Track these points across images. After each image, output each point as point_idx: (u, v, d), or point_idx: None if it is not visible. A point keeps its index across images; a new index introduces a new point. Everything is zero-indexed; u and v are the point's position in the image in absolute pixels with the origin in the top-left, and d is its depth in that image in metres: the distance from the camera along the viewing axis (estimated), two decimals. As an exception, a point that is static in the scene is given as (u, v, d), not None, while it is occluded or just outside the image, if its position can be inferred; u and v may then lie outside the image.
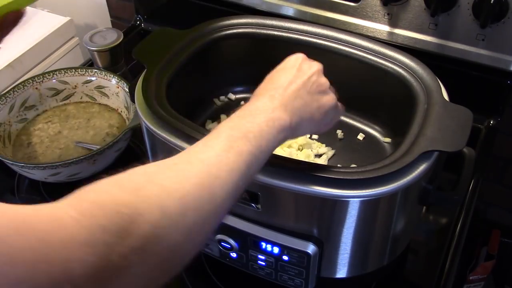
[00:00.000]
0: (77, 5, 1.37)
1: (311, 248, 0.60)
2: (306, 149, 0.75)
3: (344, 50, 0.73)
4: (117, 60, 0.99)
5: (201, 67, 0.76)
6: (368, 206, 0.57)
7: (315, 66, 0.57)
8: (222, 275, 0.73)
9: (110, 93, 0.93)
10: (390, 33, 0.89)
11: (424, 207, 0.79)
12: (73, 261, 0.33)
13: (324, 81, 0.57)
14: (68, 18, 1.18)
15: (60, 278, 0.32)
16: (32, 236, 0.32)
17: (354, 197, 0.55)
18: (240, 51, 0.79)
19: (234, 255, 0.67)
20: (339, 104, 0.59)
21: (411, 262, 0.76)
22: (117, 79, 0.92)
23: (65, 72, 0.94)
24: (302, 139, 0.76)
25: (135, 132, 0.87)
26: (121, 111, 0.93)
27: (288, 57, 0.59)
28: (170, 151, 0.62)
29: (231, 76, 0.83)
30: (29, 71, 1.11)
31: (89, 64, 1.07)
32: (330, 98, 0.57)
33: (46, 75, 0.93)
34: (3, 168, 0.84)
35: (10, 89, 0.90)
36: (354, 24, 0.91)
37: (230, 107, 0.83)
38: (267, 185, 0.56)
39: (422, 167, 0.56)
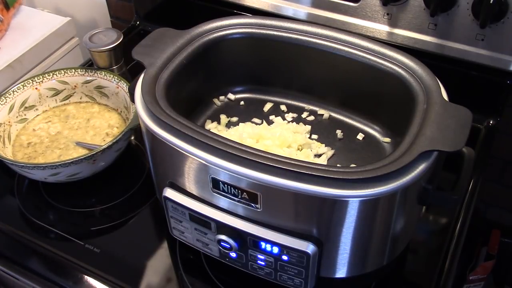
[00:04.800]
0: (77, 5, 1.37)
1: (310, 248, 0.60)
2: (305, 149, 0.75)
3: (344, 50, 0.73)
4: (117, 60, 0.99)
5: (201, 67, 0.76)
6: (367, 206, 0.57)
7: None
8: (222, 275, 0.73)
9: (110, 93, 0.93)
10: (390, 33, 0.89)
11: (424, 207, 0.79)
12: None
13: None
14: (68, 18, 1.18)
15: None
16: None
17: (354, 197, 0.55)
18: (240, 51, 0.79)
19: (233, 255, 0.67)
20: None
21: (410, 262, 0.76)
22: (117, 79, 0.92)
23: (65, 72, 0.94)
24: (302, 139, 0.76)
25: (135, 132, 0.87)
26: (121, 111, 0.93)
27: None
28: (170, 151, 0.62)
29: (231, 76, 0.83)
30: (29, 71, 1.11)
31: (89, 64, 1.07)
32: None
33: (46, 75, 0.93)
34: (3, 168, 0.84)
35: (10, 89, 0.90)
36: (354, 24, 0.91)
37: (230, 107, 0.83)
38: (267, 185, 0.56)
39: (421, 167, 0.56)
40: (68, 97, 0.96)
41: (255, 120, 0.81)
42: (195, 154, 0.59)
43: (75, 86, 0.95)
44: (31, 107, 0.93)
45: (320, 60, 0.76)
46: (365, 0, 0.88)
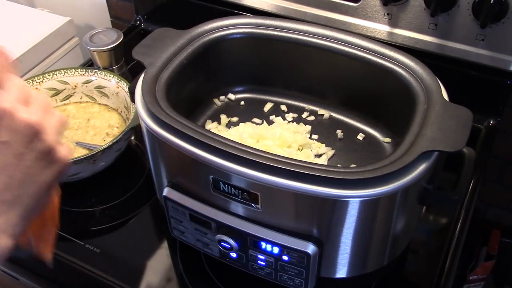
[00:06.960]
0: (77, 5, 1.37)
1: (311, 248, 0.60)
2: (306, 149, 0.75)
3: (344, 50, 0.73)
4: (117, 60, 0.99)
5: (201, 67, 0.76)
6: (368, 206, 0.57)
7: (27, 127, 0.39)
8: (222, 275, 0.73)
9: (110, 93, 0.93)
10: (390, 33, 0.89)
11: (424, 207, 0.79)
12: None
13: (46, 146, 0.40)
14: (68, 18, 1.18)
15: None
16: None
17: (354, 197, 0.55)
18: (240, 51, 0.79)
19: (234, 255, 0.67)
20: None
21: (411, 262, 0.76)
22: (117, 79, 0.92)
23: (65, 72, 0.94)
24: (302, 139, 0.76)
25: (136, 132, 0.87)
26: (121, 111, 0.93)
27: None
28: (170, 151, 0.62)
29: (231, 76, 0.83)
30: (29, 71, 1.11)
31: (89, 64, 1.07)
32: (55, 169, 0.42)
33: (46, 75, 0.93)
34: (3, 168, 0.84)
35: (10, 89, 0.90)
36: (354, 24, 0.91)
37: (230, 107, 0.83)
38: (267, 185, 0.56)
39: (422, 167, 0.56)
40: (68, 97, 0.96)
41: (256, 120, 0.81)
42: (196, 154, 0.59)
43: (75, 86, 0.95)
44: (31, 107, 0.93)
45: (320, 60, 0.76)
46: (366, 0, 0.88)
